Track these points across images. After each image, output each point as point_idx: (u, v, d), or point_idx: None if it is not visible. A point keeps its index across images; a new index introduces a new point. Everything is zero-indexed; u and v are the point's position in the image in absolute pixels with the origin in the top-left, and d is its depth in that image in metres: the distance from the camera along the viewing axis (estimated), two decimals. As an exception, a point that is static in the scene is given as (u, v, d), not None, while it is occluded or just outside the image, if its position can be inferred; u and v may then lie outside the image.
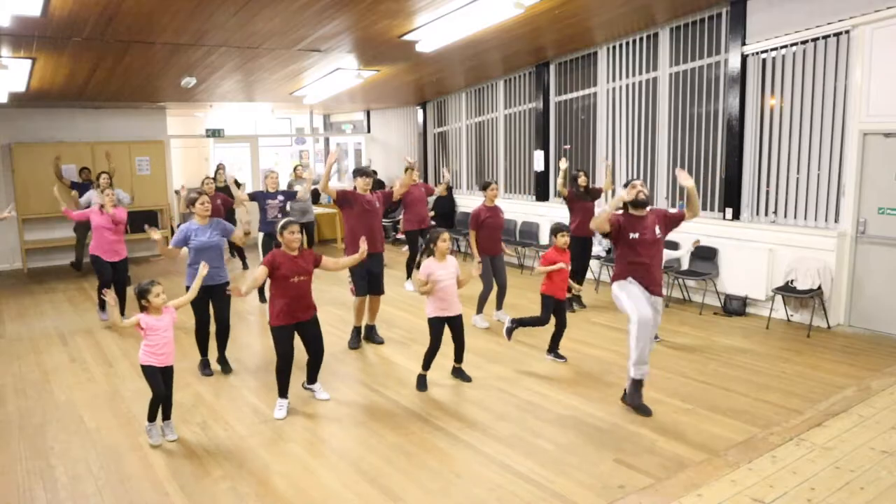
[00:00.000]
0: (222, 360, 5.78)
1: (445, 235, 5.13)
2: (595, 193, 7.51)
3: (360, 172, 6.31)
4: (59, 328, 7.31)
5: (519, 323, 5.93)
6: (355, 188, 6.22)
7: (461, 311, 5.25)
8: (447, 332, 5.24)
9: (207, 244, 5.43)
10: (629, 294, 4.60)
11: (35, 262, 11.15)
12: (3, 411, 5.01)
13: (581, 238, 7.24)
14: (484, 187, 6.90)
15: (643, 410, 4.62)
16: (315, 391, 5.09)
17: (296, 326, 4.80)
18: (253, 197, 7.75)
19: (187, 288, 5.32)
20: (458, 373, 5.48)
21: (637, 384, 4.66)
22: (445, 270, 5.12)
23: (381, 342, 6.48)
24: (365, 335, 6.53)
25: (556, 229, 5.78)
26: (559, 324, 5.81)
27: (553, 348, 5.86)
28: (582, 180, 7.43)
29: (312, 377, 5.09)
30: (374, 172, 12.52)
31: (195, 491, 3.77)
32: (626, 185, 4.70)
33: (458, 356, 5.42)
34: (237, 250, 10.59)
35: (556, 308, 5.75)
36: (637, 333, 4.52)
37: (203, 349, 5.72)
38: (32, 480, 3.94)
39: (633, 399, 4.67)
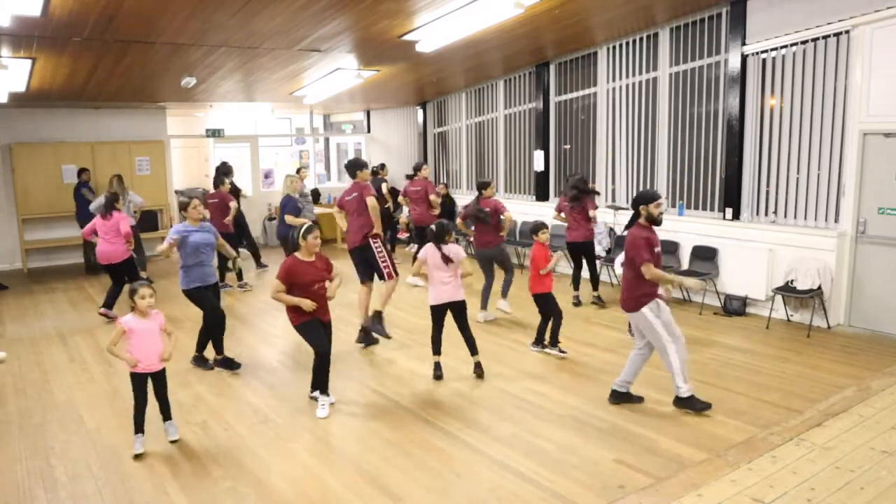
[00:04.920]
0: (218, 352, 5.84)
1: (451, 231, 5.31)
2: (591, 193, 7.62)
3: (357, 166, 6.38)
4: (59, 328, 7.31)
5: (538, 341, 6.02)
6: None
7: (464, 299, 5.31)
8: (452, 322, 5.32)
9: (202, 242, 5.57)
10: (665, 322, 4.58)
11: (35, 262, 11.15)
12: (3, 411, 5.01)
13: (581, 243, 7.56)
14: (482, 187, 7.20)
15: (704, 406, 4.61)
16: (318, 401, 4.92)
17: (318, 327, 4.85)
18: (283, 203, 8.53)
19: (184, 291, 5.52)
20: (476, 367, 5.45)
21: (691, 397, 4.63)
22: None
23: (389, 337, 6.34)
24: (374, 320, 6.39)
25: (536, 228, 5.93)
26: (557, 316, 5.90)
27: (554, 341, 5.92)
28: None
29: (317, 384, 4.97)
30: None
31: (195, 491, 3.77)
32: (643, 201, 4.61)
33: (471, 348, 5.43)
34: (219, 263, 9.44)
35: (551, 301, 5.89)
36: (680, 356, 4.56)
37: (218, 346, 5.78)
38: (32, 480, 3.94)
39: (698, 406, 4.62)
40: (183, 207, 5.67)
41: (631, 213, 4.71)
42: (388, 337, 6.33)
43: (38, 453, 4.29)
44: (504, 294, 7.23)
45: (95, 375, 5.76)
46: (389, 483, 3.81)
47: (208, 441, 4.41)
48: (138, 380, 4.25)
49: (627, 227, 4.78)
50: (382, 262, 6.27)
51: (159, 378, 4.34)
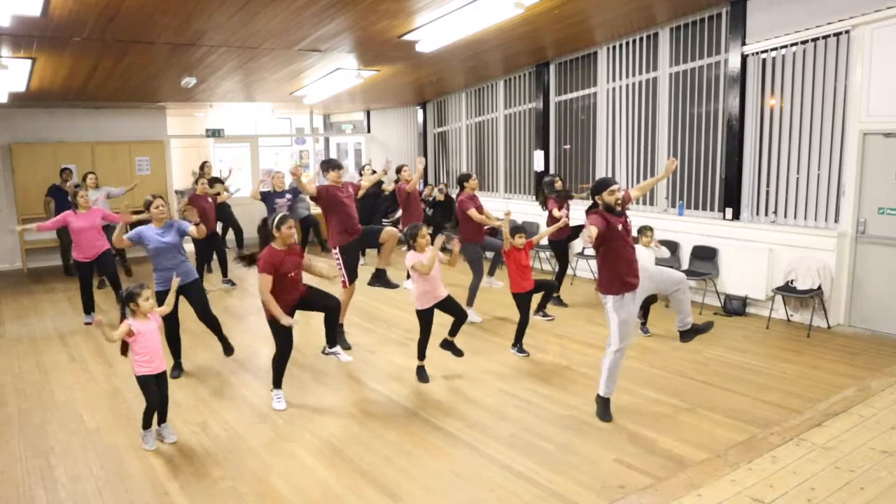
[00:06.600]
0: (225, 346, 5.89)
1: (424, 231, 5.25)
2: (569, 194, 7.77)
3: (331, 165, 6.22)
4: (59, 328, 7.31)
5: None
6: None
7: (448, 293, 5.32)
8: (443, 315, 5.32)
9: (162, 246, 5.41)
10: (623, 321, 4.51)
11: (35, 262, 11.14)
12: (3, 411, 5.01)
13: (558, 241, 7.70)
14: (465, 179, 7.23)
15: (608, 419, 4.58)
16: (337, 353, 5.27)
17: (293, 310, 4.90)
18: (263, 198, 8.18)
19: (156, 293, 5.23)
20: (449, 346, 5.49)
21: (606, 401, 4.64)
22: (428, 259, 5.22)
23: (395, 286, 6.53)
24: (377, 278, 6.42)
25: (514, 230, 5.90)
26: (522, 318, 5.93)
27: (517, 342, 5.98)
28: (559, 184, 7.64)
29: (331, 338, 5.23)
30: (374, 172, 12.56)
31: (195, 491, 3.77)
32: (597, 190, 4.50)
33: (455, 329, 5.41)
34: (220, 260, 9.33)
35: (518, 303, 5.89)
36: (613, 361, 4.58)
37: (174, 352, 5.63)
38: (32, 480, 3.95)
39: (604, 415, 4.60)
40: (147, 207, 5.53)
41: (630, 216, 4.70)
42: (347, 348, 6.18)
43: (38, 453, 4.29)
44: (492, 271, 7.74)
45: (95, 375, 5.76)
46: (389, 483, 3.81)
47: (208, 441, 4.41)
48: (147, 381, 4.27)
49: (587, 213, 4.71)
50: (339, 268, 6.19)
51: (162, 378, 4.37)
